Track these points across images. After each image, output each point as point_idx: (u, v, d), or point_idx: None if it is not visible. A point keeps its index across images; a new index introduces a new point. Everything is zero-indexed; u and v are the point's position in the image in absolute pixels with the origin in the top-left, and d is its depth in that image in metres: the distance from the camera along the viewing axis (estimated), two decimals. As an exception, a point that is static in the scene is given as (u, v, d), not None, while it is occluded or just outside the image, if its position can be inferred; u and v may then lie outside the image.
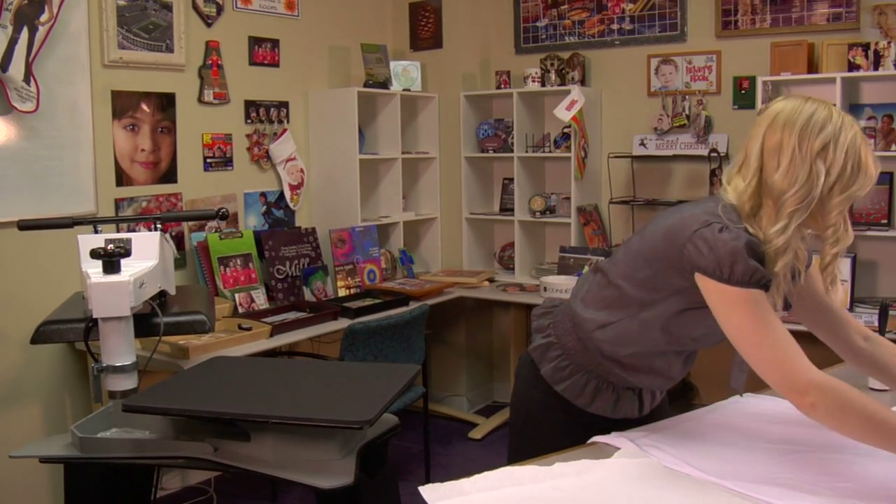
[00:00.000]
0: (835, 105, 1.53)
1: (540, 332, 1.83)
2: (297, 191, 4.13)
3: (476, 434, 4.25)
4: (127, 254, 2.01)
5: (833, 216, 1.48)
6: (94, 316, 1.92)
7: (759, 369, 1.47)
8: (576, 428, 1.76)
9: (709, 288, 1.49)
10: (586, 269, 3.87)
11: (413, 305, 3.71)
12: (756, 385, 1.96)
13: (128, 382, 1.99)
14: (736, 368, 1.58)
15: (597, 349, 1.71)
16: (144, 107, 3.44)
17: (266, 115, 3.96)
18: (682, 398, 3.85)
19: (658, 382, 1.76)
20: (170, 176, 3.56)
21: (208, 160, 3.72)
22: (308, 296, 3.79)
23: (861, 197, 1.48)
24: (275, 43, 3.99)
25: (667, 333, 1.63)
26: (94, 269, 1.95)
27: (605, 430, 1.75)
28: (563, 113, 3.94)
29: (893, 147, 3.43)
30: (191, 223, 3.64)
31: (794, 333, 1.47)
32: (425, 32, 4.61)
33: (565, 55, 4.34)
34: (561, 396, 1.75)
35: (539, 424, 1.81)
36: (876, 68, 3.36)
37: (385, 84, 4.29)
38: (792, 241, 1.48)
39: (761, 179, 1.52)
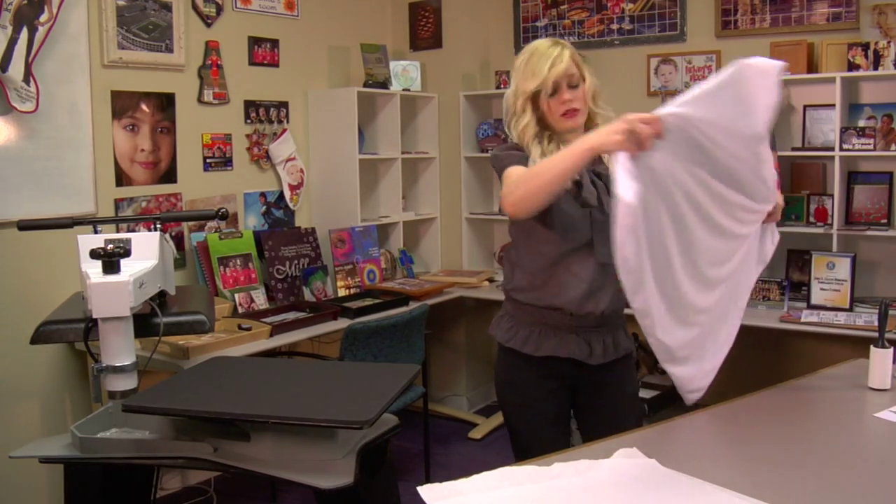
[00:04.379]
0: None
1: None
2: (297, 191, 4.13)
3: (476, 434, 4.25)
4: (127, 254, 2.01)
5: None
6: (94, 316, 1.92)
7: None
8: (541, 380, 2.09)
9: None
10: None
11: (413, 305, 3.71)
12: (756, 386, 1.96)
13: (128, 382, 1.99)
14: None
15: (517, 301, 2.10)
16: (144, 107, 3.44)
17: (266, 115, 3.96)
18: (682, 398, 3.83)
19: (580, 288, 2.00)
20: (169, 176, 3.56)
21: (208, 160, 3.72)
22: (308, 296, 3.79)
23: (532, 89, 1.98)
24: (274, 43, 3.99)
25: (534, 254, 2.03)
26: (93, 270, 1.95)
27: (569, 379, 2.10)
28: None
29: (893, 147, 3.43)
30: (190, 223, 3.64)
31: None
32: (425, 32, 4.61)
33: (565, 55, 4.33)
34: (514, 350, 2.10)
35: (511, 386, 2.15)
36: (875, 68, 3.36)
37: (385, 84, 4.29)
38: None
39: None
